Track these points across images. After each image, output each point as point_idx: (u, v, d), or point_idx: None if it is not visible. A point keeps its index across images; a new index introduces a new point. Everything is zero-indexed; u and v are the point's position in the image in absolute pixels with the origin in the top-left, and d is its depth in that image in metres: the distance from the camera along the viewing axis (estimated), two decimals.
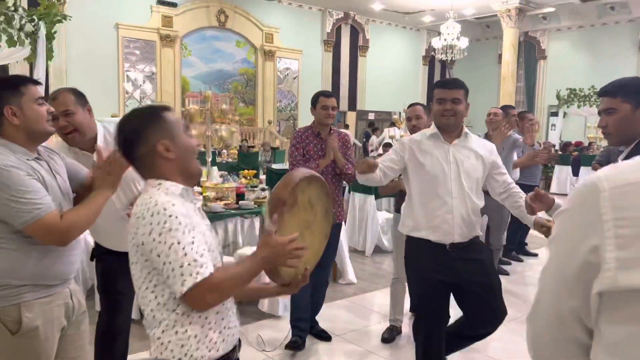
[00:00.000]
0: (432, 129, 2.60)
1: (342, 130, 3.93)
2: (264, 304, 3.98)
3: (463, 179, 2.51)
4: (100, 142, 2.34)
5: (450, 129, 2.54)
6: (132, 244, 1.38)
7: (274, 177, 5.23)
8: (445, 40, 12.88)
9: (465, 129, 2.61)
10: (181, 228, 1.33)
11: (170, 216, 1.32)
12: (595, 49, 14.24)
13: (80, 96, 2.33)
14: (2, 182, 1.68)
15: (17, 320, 1.79)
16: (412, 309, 3.76)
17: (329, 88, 15.28)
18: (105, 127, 2.42)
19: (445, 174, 2.50)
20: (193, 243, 1.34)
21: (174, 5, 12.94)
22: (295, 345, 3.31)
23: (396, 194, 3.75)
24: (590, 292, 0.74)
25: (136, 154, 1.46)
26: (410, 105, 3.83)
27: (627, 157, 1.82)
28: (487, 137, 4.30)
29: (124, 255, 1.48)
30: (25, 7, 6.90)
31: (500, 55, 14.67)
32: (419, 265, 2.58)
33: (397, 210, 3.66)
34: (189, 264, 1.31)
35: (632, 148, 1.90)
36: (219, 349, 1.44)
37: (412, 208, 2.59)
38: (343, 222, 3.64)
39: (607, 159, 5.15)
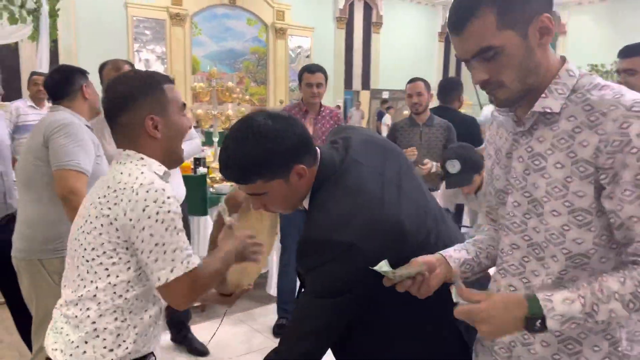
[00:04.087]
0: None
1: (334, 108, 3.67)
2: (272, 288, 3.88)
3: None
4: None
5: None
6: (102, 214, 1.24)
7: None
8: None
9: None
10: (177, 213, 1.24)
11: (168, 198, 1.23)
12: (618, 23, 13.77)
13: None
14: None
15: (61, 272, 1.87)
16: None
17: (341, 67, 15.01)
18: None
19: None
20: (182, 231, 1.25)
21: None
22: (281, 327, 3.27)
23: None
24: None
25: (120, 119, 1.32)
26: (411, 81, 3.60)
27: None
28: None
29: None
30: None
31: None
32: None
33: None
34: (181, 250, 1.23)
35: None
36: (151, 346, 1.35)
37: None
38: None
39: None
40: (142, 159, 1.31)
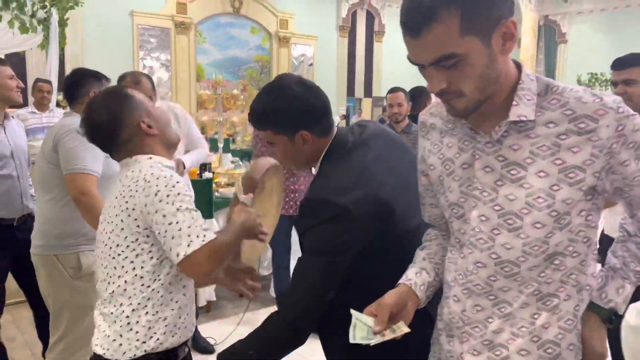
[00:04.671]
0: None
1: None
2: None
3: None
4: None
5: None
6: (121, 210, 1.35)
7: None
8: None
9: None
10: (188, 195, 1.34)
11: (177, 182, 1.34)
12: (618, 32, 13.86)
13: (152, 82, 2.86)
14: None
15: (76, 267, 2.19)
16: None
17: (344, 74, 15.12)
18: (165, 106, 2.96)
19: None
20: (195, 211, 1.35)
21: None
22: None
23: None
24: None
25: (119, 139, 1.44)
26: (392, 91, 3.64)
27: None
28: None
29: None
30: None
31: (519, 40, 14.37)
32: None
33: None
34: (196, 226, 1.31)
35: None
36: (181, 335, 1.44)
37: None
38: None
39: None
40: (150, 158, 1.43)
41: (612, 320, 1.08)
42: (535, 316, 1.07)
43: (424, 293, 1.21)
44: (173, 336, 1.40)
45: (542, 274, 1.05)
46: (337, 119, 13.41)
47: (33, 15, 4.94)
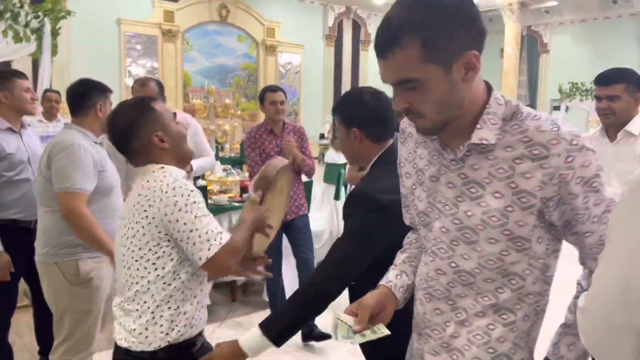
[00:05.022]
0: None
1: (296, 123, 3.86)
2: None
3: None
4: None
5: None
6: (141, 217, 1.46)
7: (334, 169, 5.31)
8: None
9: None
10: (201, 201, 1.48)
11: (192, 191, 1.46)
12: (597, 43, 14.24)
13: (161, 87, 3.02)
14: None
15: (75, 273, 2.29)
16: None
17: (331, 83, 15.29)
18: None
19: None
20: (209, 215, 1.50)
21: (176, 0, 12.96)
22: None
23: None
24: None
25: (131, 147, 1.55)
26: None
27: None
28: None
29: None
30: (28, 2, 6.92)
31: (502, 50, 14.68)
32: None
33: None
34: (212, 231, 1.46)
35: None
36: (198, 327, 1.58)
37: None
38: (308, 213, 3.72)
39: None
40: (162, 167, 1.53)
41: None
42: (491, 327, 1.13)
43: (402, 295, 1.27)
44: (192, 327, 1.53)
45: (500, 290, 1.10)
46: (327, 127, 13.50)
47: (27, 25, 4.99)
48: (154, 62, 12.90)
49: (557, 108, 14.50)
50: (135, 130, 1.53)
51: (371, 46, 15.68)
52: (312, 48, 14.58)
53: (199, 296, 1.56)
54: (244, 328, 3.74)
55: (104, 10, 11.74)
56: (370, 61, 15.80)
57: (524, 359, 1.17)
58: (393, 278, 1.29)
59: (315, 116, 14.33)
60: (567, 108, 13.43)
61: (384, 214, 1.49)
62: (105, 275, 2.37)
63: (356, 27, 15.50)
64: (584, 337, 0.87)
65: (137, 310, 1.48)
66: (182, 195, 1.43)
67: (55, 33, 5.36)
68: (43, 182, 2.32)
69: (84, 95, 2.42)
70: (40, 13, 5.00)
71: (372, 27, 15.63)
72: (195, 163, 3.12)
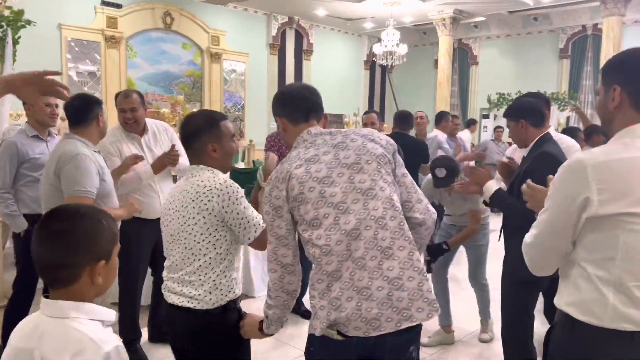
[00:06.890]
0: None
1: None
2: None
3: None
4: (148, 130, 3.34)
5: None
6: (200, 209, 1.88)
7: (239, 177, 5.60)
8: (385, 46, 13.59)
9: None
10: (243, 194, 1.94)
11: (238, 188, 1.93)
12: (521, 56, 15.41)
13: (142, 97, 3.31)
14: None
15: None
16: None
17: (274, 91, 15.53)
18: (151, 121, 3.41)
19: None
20: (249, 205, 1.96)
21: (119, 6, 12.90)
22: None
23: None
24: (579, 220, 1.45)
25: (193, 146, 1.99)
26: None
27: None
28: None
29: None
30: None
31: (436, 61, 15.56)
32: None
33: None
34: (254, 218, 1.95)
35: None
36: (240, 288, 2.05)
37: None
38: None
39: None
40: (209, 170, 1.96)
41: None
42: (381, 263, 1.63)
43: None
44: (238, 289, 2.04)
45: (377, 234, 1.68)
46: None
47: None
48: (96, 68, 12.77)
49: (486, 116, 15.59)
50: (199, 135, 1.94)
51: (313, 55, 16.21)
52: (256, 56, 14.89)
53: (239, 265, 2.04)
54: None
55: (44, 15, 11.51)
56: (312, 70, 16.30)
57: (422, 309, 1.70)
58: None
59: (260, 122, 14.65)
60: (495, 117, 14.49)
61: None
62: None
63: (299, 37, 15.97)
64: (529, 260, 1.53)
65: (200, 279, 1.90)
66: (233, 192, 1.89)
67: (15, 42, 5.47)
68: (49, 188, 2.58)
69: (87, 109, 2.71)
70: (3, 23, 5.11)
71: (313, 38, 16.15)
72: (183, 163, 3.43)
